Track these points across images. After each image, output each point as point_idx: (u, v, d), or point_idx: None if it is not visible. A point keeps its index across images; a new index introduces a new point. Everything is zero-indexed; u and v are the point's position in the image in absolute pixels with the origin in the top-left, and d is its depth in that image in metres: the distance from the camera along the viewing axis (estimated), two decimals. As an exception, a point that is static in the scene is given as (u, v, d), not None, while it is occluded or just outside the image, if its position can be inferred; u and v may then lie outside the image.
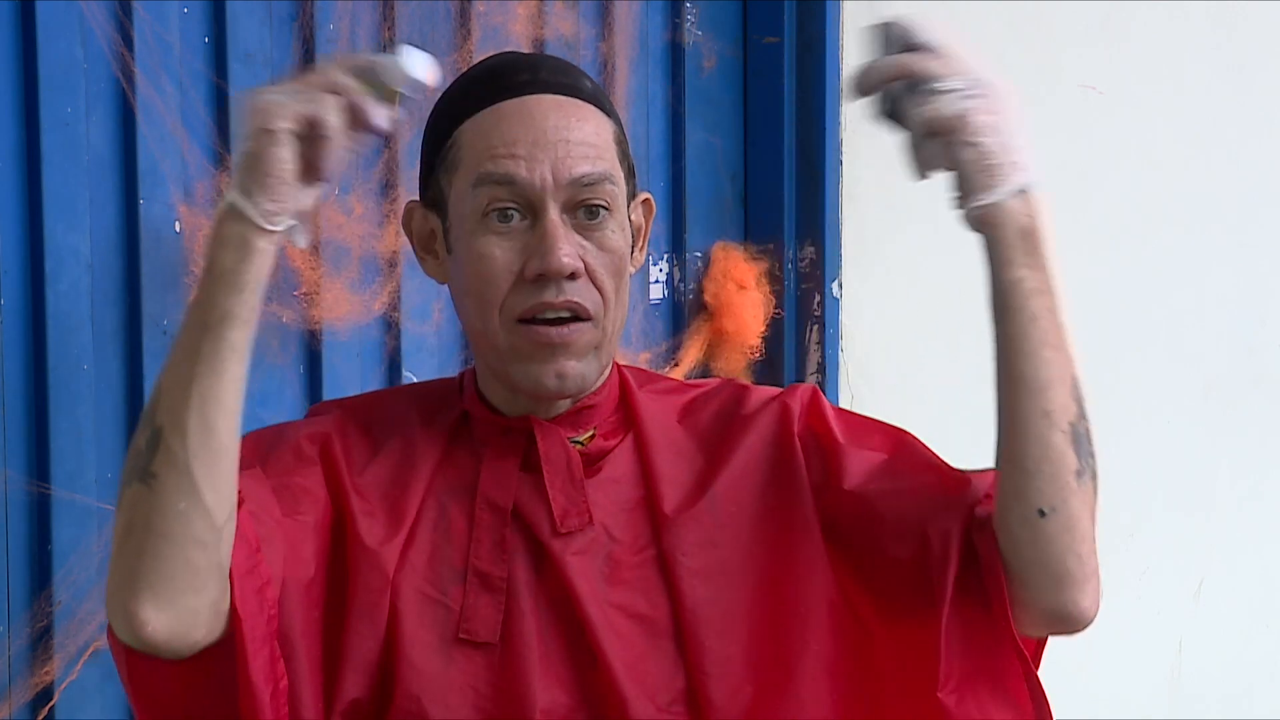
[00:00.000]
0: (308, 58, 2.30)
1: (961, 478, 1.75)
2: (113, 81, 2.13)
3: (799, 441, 1.77)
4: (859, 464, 1.75)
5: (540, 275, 1.67)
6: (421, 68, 1.57)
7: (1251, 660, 3.67)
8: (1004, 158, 1.61)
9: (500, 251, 1.68)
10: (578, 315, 1.69)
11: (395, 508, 1.72)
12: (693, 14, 2.76)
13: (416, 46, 1.59)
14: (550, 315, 1.68)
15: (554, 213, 1.67)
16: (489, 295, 1.69)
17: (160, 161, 2.17)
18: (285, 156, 1.53)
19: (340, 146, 1.55)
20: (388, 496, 1.73)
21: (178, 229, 2.19)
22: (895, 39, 1.64)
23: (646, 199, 1.80)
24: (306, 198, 1.57)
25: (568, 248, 1.67)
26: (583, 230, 1.69)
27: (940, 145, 1.61)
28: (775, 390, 1.84)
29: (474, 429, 1.77)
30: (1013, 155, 1.62)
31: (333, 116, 1.54)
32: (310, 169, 1.55)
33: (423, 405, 1.80)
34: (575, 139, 1.69)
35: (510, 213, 1.68)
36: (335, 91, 1.54)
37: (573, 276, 1.68)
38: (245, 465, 1.62)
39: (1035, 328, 1.64)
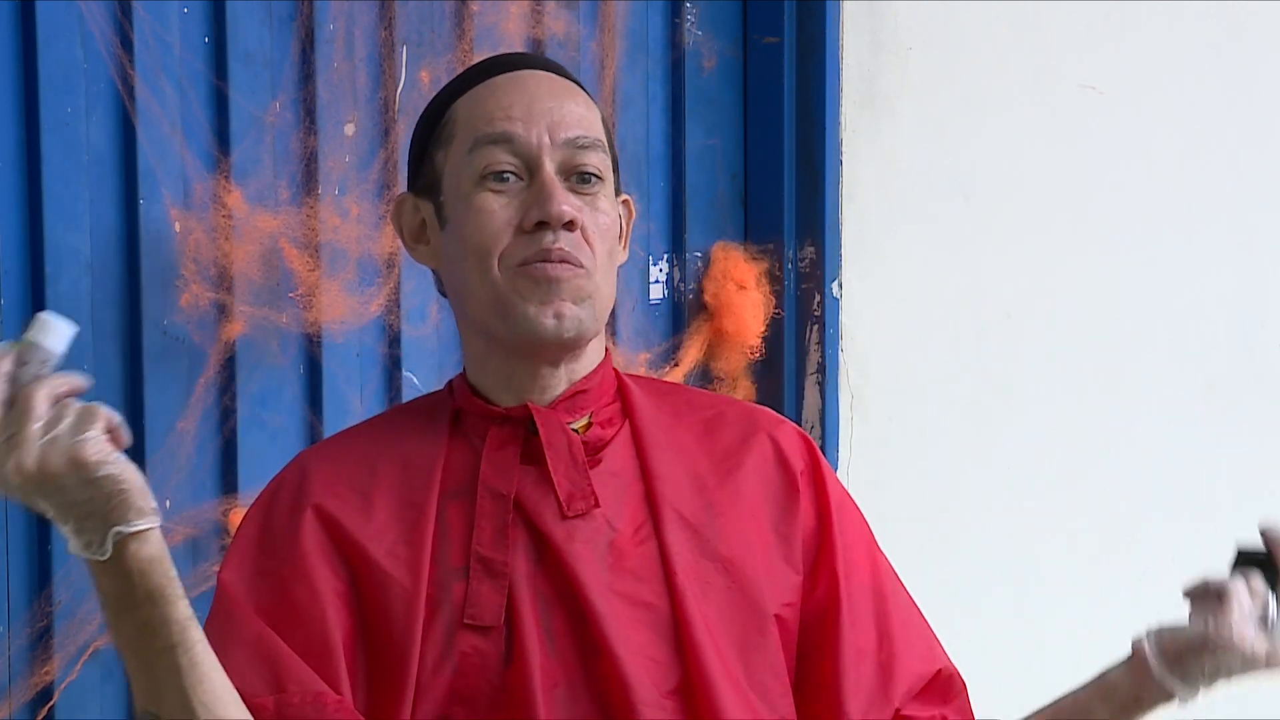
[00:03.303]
0: (307, 58, 2.31)
1: (890, 668, 1.79)
2: (112, 82, 2.14)
3: (800, 481, 1.81)
4: (843, 580, 1.79)
5: (540, 224, 1.71)
6: (63, 321, 1.52)
7: (1252, 660, 3.67)
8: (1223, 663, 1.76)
9: (499, 206, 1.72)
10: (572, 263, 1.72)
11: (414, 527, 1.73)
12: (693, 14, 2.76)
13: (55, 322, 1.53)
14: (553, 258, 1.71)
15: (550, 168, 1.72)
16: (487, 245, 1.72)
17: (160, 162, 2.17)
18: (128, 466, 1.49)
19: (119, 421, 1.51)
20: (403, 520, 1.74)
21: (177, 229, 2.19)
22: None
23: (626, 200, 1.84)
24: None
25: (566, 196, 1.72)
26: (576, 193, 1.74)
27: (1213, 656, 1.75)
28: (772, 413, 1.87)
29: (469, 425, 1.78)
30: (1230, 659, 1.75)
31: (103, 410, 1.48)
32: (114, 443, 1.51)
33: (412, 421, 1.81)
34: (568, 108, 1.75)
35: (507, 174, 1.72)
36: (56, 399, 1.48)
37: (569, 226, 1.71)
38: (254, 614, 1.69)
39: None
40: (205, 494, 2.22)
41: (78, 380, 1.51)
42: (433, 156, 1.77)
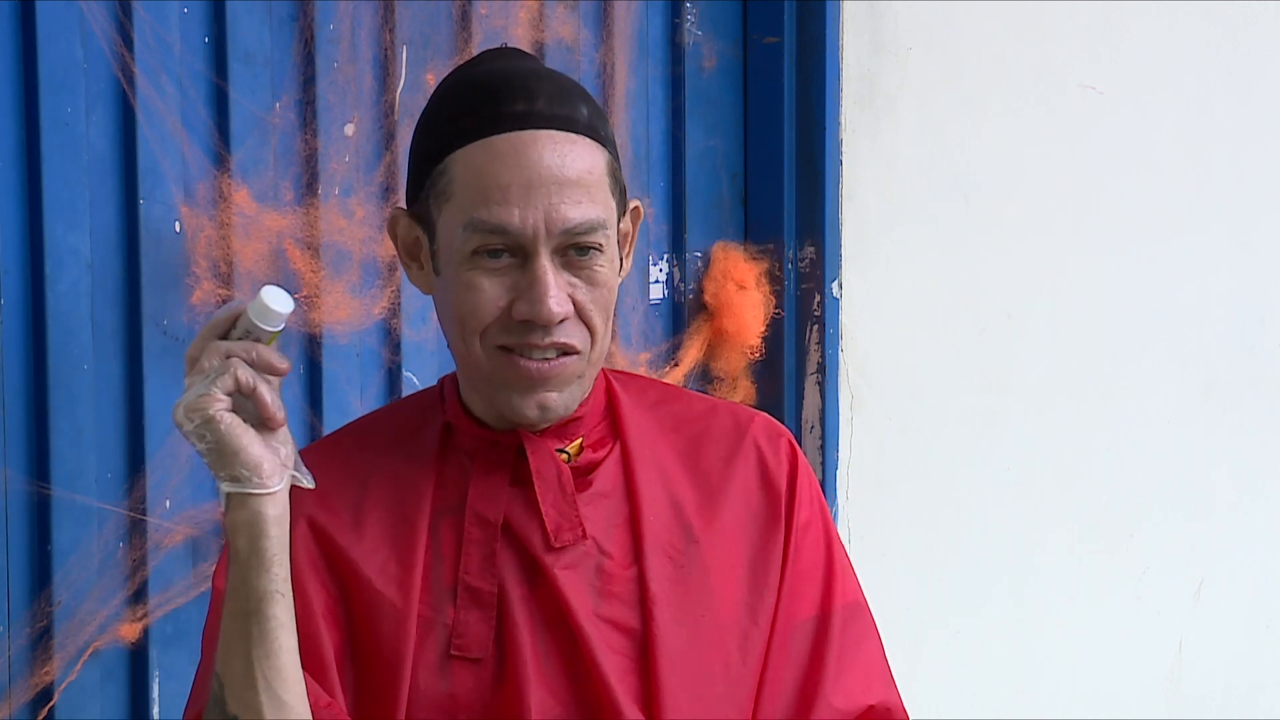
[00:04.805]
0: (308, 58, 2.30)
1: (810, 702, 1.77)
2: (113, 81, 2.13)
3: (781, 504, 1.80)
4: (782, 611, 1.79)
5: (527, 320, 1.68)
6: (282, 303, 1.65)
7: (1251, 660, 3.67)
8: None
9: (489, 285, 1.69)
10: (564, 351, 1.70)
11: (406, 545, 1.73)
12: (693, 14, 2.75)
13: (275, 284, 1.67)
14: (535, 355, 1.69)
15: (545, 258, 1.68)
16: (472, 324, 1.70)
17: (160, 161, 2.17)
18: (236, 429, 1.62)
19: (268, 395, 1.64)
20: (395, 538, 1.74)
21: (178, 229, 2.19)
22: None
23: (636, 207, 1.80)
24: (282, 444, 1.66)
25: (557, 294, 1.68)
26: (572, 267, 1.70)
27: None
28: (762, 420, 1.86)
29: (459, 441, 1.78)
30: None
31: (244, 374, 1.62)
32: (263, 422, 1.64)
33: (401, 431, 1.80)
34: (570, 179, 1.68)
35: (500, 252, 1.68)
36: (230, 358, 1.62)
37: (560, 320, 1.69)
38: None
39: None
40: (205, 494, 2.21)
41: (267, 354, 1.63)
42: (428, 199, 1.72)
